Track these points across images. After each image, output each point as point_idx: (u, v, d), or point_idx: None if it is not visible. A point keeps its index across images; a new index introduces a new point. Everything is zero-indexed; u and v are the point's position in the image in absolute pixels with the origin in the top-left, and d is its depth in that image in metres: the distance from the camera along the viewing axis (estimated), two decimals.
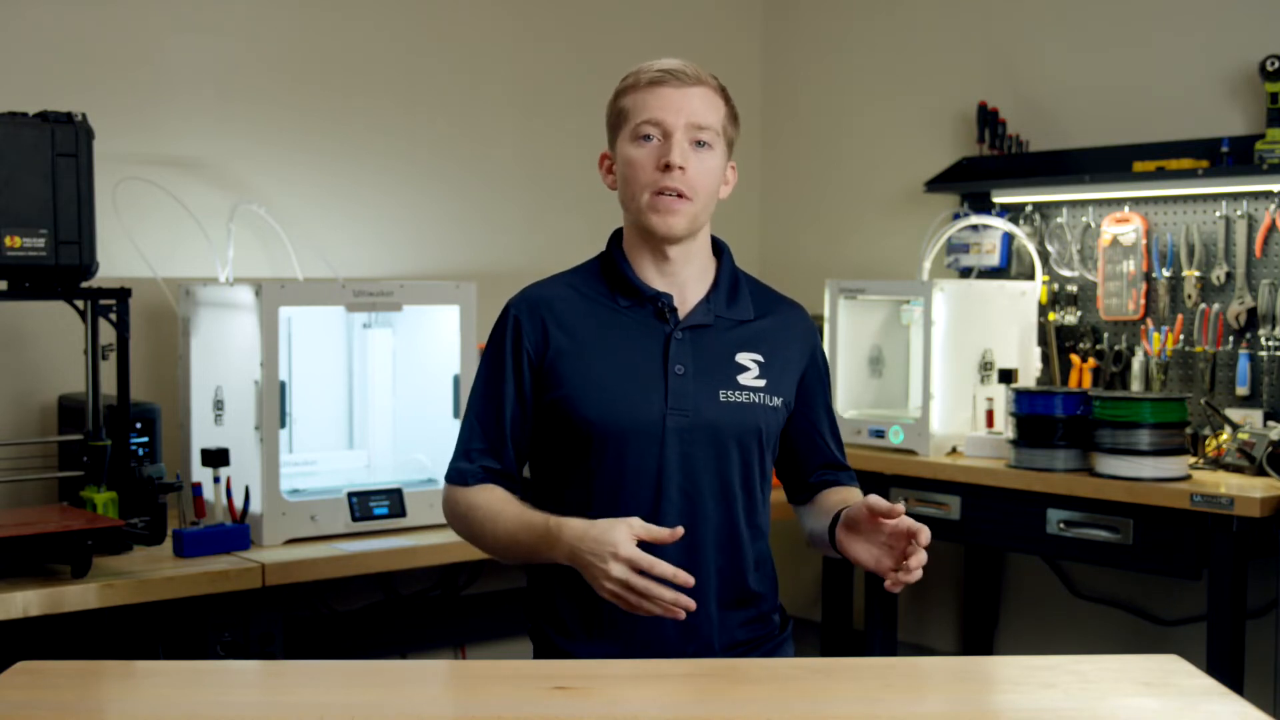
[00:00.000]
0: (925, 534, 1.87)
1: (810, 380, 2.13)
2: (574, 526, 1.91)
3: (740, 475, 2.04)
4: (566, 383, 2.02)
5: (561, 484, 2.07)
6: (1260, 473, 3.22)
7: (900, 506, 1.90)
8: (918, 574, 1.88)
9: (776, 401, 2.06)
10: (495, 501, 2.04)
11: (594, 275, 2.10)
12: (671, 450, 1.99)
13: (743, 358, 2.06)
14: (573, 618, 2.02)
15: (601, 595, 1.87)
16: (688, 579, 1.85)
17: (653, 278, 2.07)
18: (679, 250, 2.05)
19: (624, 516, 1.95)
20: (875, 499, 1.90)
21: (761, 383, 2.05)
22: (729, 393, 2.03)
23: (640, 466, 1.99)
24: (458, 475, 2.07)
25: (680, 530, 1.88)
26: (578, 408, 2.01)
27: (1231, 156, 3.50)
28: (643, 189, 2.01)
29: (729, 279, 2.10)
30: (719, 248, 2.14)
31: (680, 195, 2.00)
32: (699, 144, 2.01)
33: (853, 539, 1.96)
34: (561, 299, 2.07)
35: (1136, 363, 3.69)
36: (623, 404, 1.99)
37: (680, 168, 1.99)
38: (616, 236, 2.12)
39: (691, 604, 1.86)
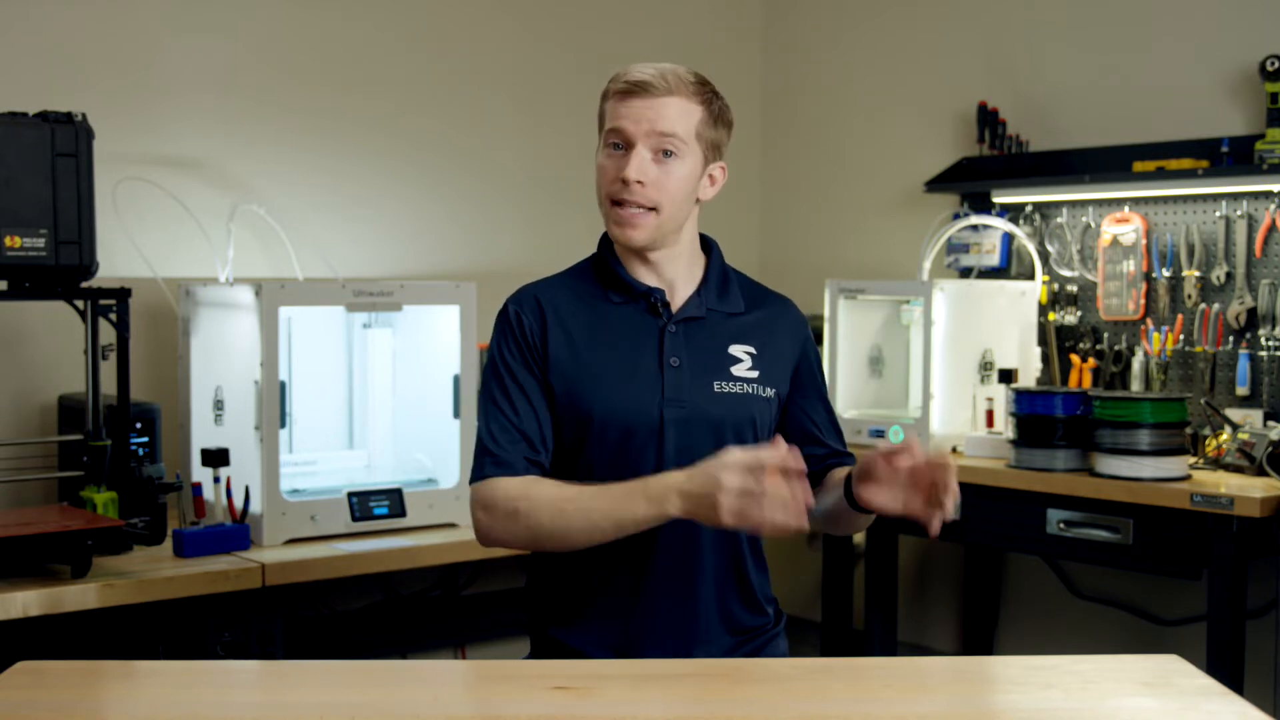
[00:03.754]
0: (951, 466, 1.80)
1: (803, 372, 2.14)
2: (673, 474, 1.87)
3: None
4: (565, 378, 2.03)
5: (563, 477, 2.06)
6: (1260, 473, 3.22)
7: (915, 440, 1.85)
8: (952, 509, 1.80)
9: (769, 393, 2.08)
10: (555, 485, 1.96)
11: (586, 275, 2.12)
12: (670, 442, 2.00)
13: (735, 349, 2.07)
14: (571, 608, 2.03)
15: (725, 523, 1.79)
16: (799, 463, 1.78)
17: (643, 276, 2.08)
18: (661, 253, 2.07)
19: None
20: (886, 444, 1.87)
21: (754, 374, 2.07)
22: (723, 384, 2.04)
23: (639, 458, 2.00)
24: (499, 467, 1.98)
25: (783, 444, 1.81)
26: (577, 402, 2.02)
27: (1231, 156, 3.50)
28: (604, 198, 2.04)
29: (718, 275, 2.13)
30: (708, 245, 2.16)
31: (644, 208, 2.00)
32: (666, 153, 2.00)
33: (872, 488, 1.88)
34: (557, 296, 2.09)
35: (1136, 363, 3.69)
36: (620, 397, 2.01)
37: (639, 182, 1.99)
38: (606, 238, 2.13)
39: (811, 502, 1.80)
